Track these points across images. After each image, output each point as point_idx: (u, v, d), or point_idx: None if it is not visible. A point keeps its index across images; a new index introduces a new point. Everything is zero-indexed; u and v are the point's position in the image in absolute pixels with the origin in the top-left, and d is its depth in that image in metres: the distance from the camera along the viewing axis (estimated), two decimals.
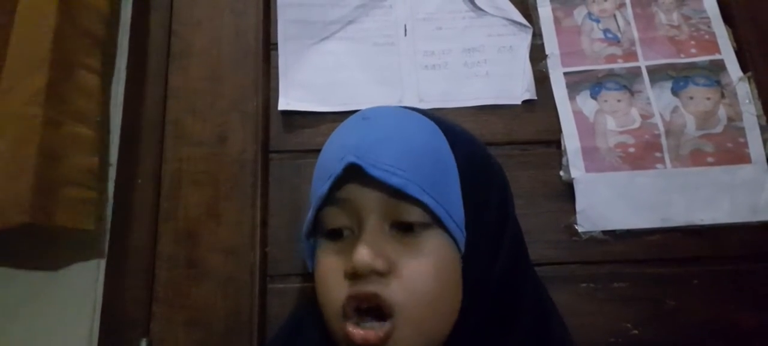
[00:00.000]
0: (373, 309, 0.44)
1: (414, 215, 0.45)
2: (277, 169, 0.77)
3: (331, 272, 0.46)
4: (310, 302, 0.53)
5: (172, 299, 0.70)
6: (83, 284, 0.71)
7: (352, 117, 0.53)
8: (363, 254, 0.43)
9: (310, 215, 0.48)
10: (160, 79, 0.79)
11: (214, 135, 0.77)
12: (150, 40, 0.81)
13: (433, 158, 0.47)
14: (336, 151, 0.48)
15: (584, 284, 0.70)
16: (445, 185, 0.47)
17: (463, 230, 0.47)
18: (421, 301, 0.44)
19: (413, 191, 0.44)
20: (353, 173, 0.45)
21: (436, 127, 0.50)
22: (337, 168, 0.45)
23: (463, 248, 0.46)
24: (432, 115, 0.53)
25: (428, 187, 0.45)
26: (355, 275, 0.44)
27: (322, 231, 0.49)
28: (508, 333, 0.48)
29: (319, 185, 0.48)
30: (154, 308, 0.70)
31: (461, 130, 0.53)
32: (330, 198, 0.47)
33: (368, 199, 0.46)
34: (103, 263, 0.72)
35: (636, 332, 0.68)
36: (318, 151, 0.78)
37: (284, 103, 0.78)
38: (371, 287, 0.43)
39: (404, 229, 0.46)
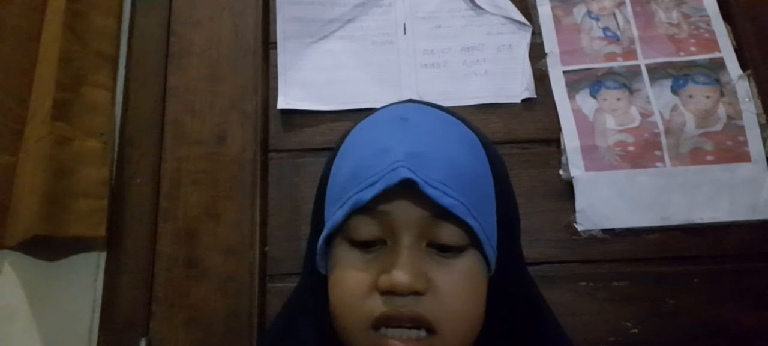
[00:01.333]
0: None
1: (454, 236, 0.44)
2: (277, 169, 0.77)
3: (359, 284, 0.44)
4: (304, 300, 0.52)
5: (171, 298, 0.70)
6: (83, 283, 0.71)
7: (385, 111, 0.51)
8: (405, 274, 0.42)
9: (339, 217, 0.45)
10: (159, 79, 0.79)
11: (213, 134, 0.77)
12: (149, 39, 0.81)
13: (478, 180, 0.47)
14: (380, 156, 0.44)
15: (584, 283, 0.70)
16: (485, 207, 0.46)
17: (495, 251, 0.46)
18: (459, 320, 0.44)
19: (462, 213, 0.43)
20: (399, 187, 0.43)
21: (478, 141, 0.49)
22: (390, 179, 0.42)
23: (493, 269, 0.47)
24: (466, 120, 0.52)
25: (473, 209, 0.44)
26: (390, 292, 0.43)
27: (346, 236, 0.46)
28: (512, 335, 0.49)
29: (355, 188, 0.44)
30: (154, 308, 0.70)
31: (489, 142, 0.52)
32: (366, 206, 0.44)
33: (411, 215, 0.44)
34: (102, 262, 0.72)
35: (636, 330, 0.68)
36: (317, 150, 0.77)
37: (283, 102, 0.78)
38: (412, 307, 0.42)
39: (441, 249, 0.45)
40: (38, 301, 0.71)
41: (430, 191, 0.42)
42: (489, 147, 0.50)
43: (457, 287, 0.44)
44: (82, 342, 0.69)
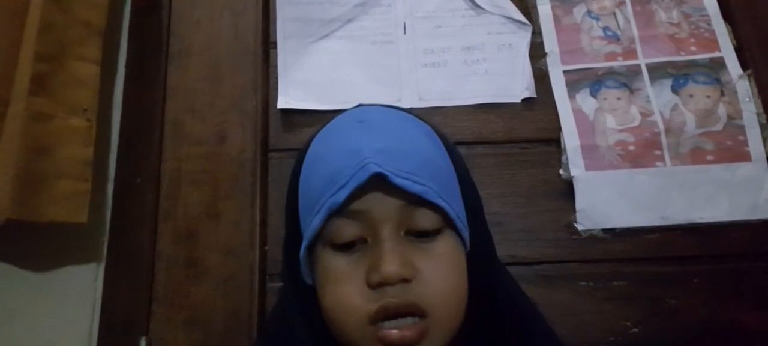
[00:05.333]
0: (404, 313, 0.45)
1: (429, 221, 0.46)
2: (277, 169, 0.77)
3: (350, 286, 0.45)
4: (292, 310, 0.52)
5: (171, 298, 0.70)
6: (82, 283, 0.71)
7: (343, 117, 0.52)
8: (392, 264, 0.43)
9: (316, 223, 0.46)
10: (160, 79, 0.79)
11: (213, 134, 0.77)
12: (149, 39, 0.81)
13: (440, 164, 0.49)
14: (349, 157, 0.46)
15: (584, 283, 0.70)
16: (452, 188, 0.49)
17: (467, 228, 0.49)
18: (448, 300, 0.46)
19: (432, 196, 0.45)
20: (370, 183, 0.44)
21: (433, 132, 0.52)
22: (360, 177, 0.44)
23: (468, 246, 0.49)
24: (417, 115, 0.54)
25: (442, 192, 0.46)
26: (381, 285, 0.44)
27: (327, 242, 0.47)
28: (491, 312, 0.51)
29: (328, 193, 0.45)
30: (154, 308, 0.70)
31: (443, 133, 0.55)
32: (341, 209, 0.45)
33: (386, 208, 0.45)
34: (102, 262, 0.72)
35: (636, 330, 0.68)
36: None
37: (283, 101, 0.78)
38: (404, 296, 0.44)
39: (419, 235, 0.46)
40: (38, 301, 0.71)
41: (399, 181, 0.44)
42: (444, 137, 0.53)
43: (441, 268, 0.46)
44: (82, 342, 0.69)
